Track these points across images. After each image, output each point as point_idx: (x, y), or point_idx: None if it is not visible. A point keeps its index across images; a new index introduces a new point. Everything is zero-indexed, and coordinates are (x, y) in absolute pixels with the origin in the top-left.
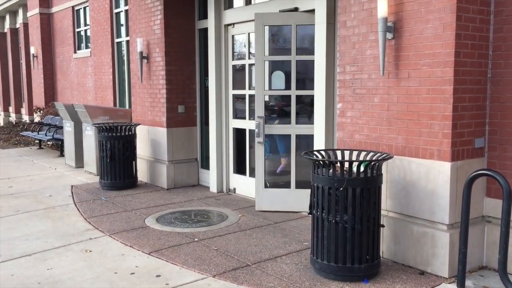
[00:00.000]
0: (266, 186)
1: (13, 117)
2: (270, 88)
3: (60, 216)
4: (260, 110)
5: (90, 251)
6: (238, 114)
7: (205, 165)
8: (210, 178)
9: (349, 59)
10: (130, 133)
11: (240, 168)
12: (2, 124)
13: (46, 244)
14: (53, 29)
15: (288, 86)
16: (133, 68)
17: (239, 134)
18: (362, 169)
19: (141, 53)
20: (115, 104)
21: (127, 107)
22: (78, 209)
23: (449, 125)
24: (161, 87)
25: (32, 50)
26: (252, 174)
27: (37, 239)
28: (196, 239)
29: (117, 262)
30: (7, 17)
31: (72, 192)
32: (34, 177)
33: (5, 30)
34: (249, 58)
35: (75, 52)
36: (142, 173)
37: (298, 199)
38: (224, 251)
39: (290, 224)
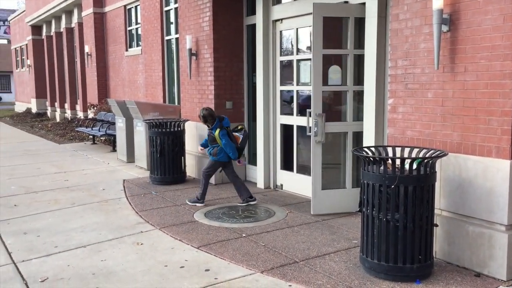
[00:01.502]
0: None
1: (68, 114)
2: (327, 84)
3: (113, 209)
4: (318, 107)
5: (142, 244)
6: (286, 110)
7: (252, 161)
8: (257, 174)
9: (401, 53)
10: (179, 129)
11: (287, 165)
12: (58, 120)
13: (100, 236)
14: (106, 28)
15: (344, 82)
16: (182, 65)
17: (287, 130)
18: (415, 166)
19: (190, 50)
20: (164, 101)
21: (176, 104)
22: (129, 203)
23: (509, 121)
24: (209, 83)
25: (87, 49)
26: (300, 170)
27: (91, 231)
28: (243, 235)
29: (167, 255)
30: (63, 17)
31: (124, 186)
32: (88, 171)
33: (61, 30)
34: (297, 54)
35: (126, 50)
36: (190, 169)
37: (355, 199)
38: (272, 247)
39: (338, 221)
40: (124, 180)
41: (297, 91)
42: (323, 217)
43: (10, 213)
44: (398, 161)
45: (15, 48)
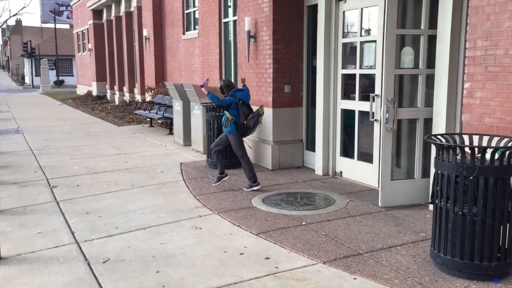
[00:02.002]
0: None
1: (127, 97)
2: (398, 67)
3: (171, 192)
4: (389, 92)
5: (200, 228)
6: (347, 95)
7: (311, 146)
8: (316, 160)
9: (481, 33)
10: None
11: (347, 151)
12: (117, 103)
13: (159, 219)
14: (164, 11)
15: (416, 65)
16: (240, 47)
17: (348, 115)
18: (497, 156)
19: (249, 32)
20: None
21: None
22: (187, 186)
23: None
24: (267, 66)
25: (145, 33)
26: (361, 158)
27: (150, 213)
28: (303, 223)
29: (226, 241)
30: (123, 1)
31: (181, 169)
32: (146, 153)
33: (121, 14)
34: (361, 36)
35: (183, 33)
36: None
37: (423, 190)
38: (334, 236)
39: (403, 212)
40: (181, 163)
41: (360, 74)
42: (386, 207)
43: (73, 193)
44: (477, 150)
45: (77, 33)
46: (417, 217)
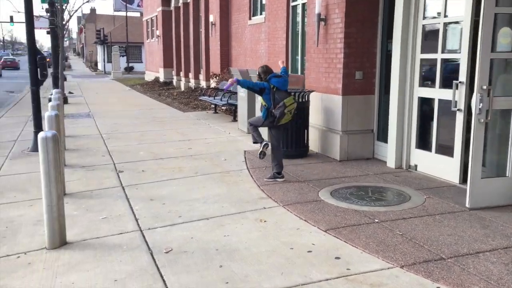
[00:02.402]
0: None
1: (192, 83)
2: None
3: (234, 181)
4: (484, 80)
5: (265, 221)
6: (426, 82)
7: (382, 137)
8: (388, 151)
9: None
10: (303, 100)
11: (424, 143)
12: (183, 89)
13: (222, 209)
14: None
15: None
16: (308, 31)
17: (425, 104)
18: None
19: (319, 14)
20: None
21: (299, 73)
22: (251, 175)
23: None
24: (338, 51)
25: (211, 18)
26: (439, 150)
27: (214, 203)
28: (376, 220)
29: (292, 236)
30: None
31: (245, 158)
32: (210, 140)
33: (188, 0)
34: (445, 16)
35: (249, 18)
36: (313, 143)
37: None
38: (411, 237)
39: (490, 213)
40: (245, 151)
41: (441, 59)
42: (473, 208)
43: (138, 178)
44: None
45: (146, 20)
46: (507, 220)
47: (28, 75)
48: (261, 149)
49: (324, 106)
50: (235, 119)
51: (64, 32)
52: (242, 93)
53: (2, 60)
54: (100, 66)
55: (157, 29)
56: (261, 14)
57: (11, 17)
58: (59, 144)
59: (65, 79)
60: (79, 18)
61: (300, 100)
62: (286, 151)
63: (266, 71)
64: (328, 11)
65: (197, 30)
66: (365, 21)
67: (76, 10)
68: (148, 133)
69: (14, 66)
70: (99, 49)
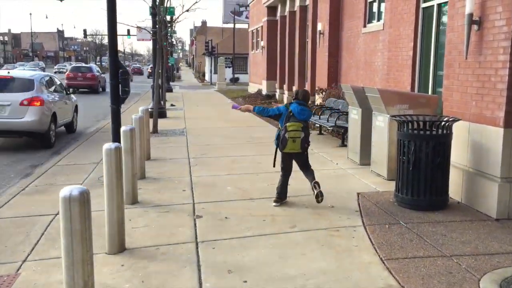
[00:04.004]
0: None
1: None
2: None
3: (346, 247)
4: None
5: None
6: None
7: None
8: None
9: None
10: (445, 131)
11: None
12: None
13: None
14: (342, 2)
15: None
16: (451, 39)
17: None
18: None
19: (470, 15)
20: (412, 88)
21: (429, 93)
22: (369, 238)
23: None
24: (500, 65)
25: (319, 27)
26: None
27: (315, 286)
28: None
29: None
30: None
31: (359, 204)
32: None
33: (295, 8)
34: None
35: (364, 26)
36: (453, 187)
37: None
38: None
39: None
40: (358, 195)
41: None
42: None
43: (219, 230)
44: None
45: (251, 31)
46: None
47: (148, 80)
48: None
49: (473, 140)
50: (343, 144)
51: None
52: (354, 114)
53: (132, 67)
54: (207, 77)
55: (261, 40)
56: (378, 20)
57: (128, 31)
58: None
59: (171, 90)
60: (191, 31)
61: (441, 131)
62: (417, 201)
63: (297, 92)
64: (484, 11)
65: (303, 40)
66: None
67: (174, 21)
68: (240, 160)
69: (139, 72)
70: (207, 60)
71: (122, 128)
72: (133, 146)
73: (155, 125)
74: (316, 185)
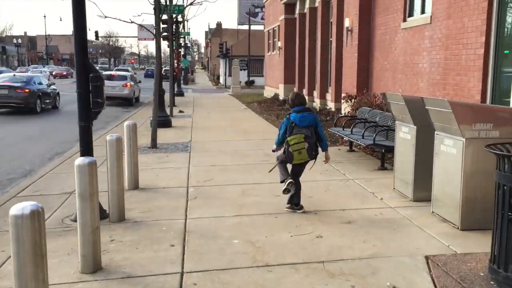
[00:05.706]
0: None
1: (317, 103)
2: None
3: None
4: None
5: None
6: None
7: None
8: None
9: None
10: None
11: None
12: None
13: None
14: None
15: None
16: None
17: None
18: None
19: None
20: (483, 98)
21: (511, 105)
22: None
23: None
24: None
25: (346, 23)
26: None
27: None
28: None
29: None
30: None
31: (433, 281)
32: (351, 215)
33: (316, 5)
34: None
35: (404, 20)
36: None
37: None
38: None
39: None
40: (427, 259)
41: None
42: None
43: None
44: None
45: (268, 31)
46: None
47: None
48: (285, 186)
49: None
50: (383, 166)
51: (175, 45)
52: (405, 132)
53: (146, 70)
54: (221, 80)
55: (278, 40)
56: (422, 12)
57: (96, 32)
58: None
59: (182, 94)
60: (206, 33)
61: None
62: None
63: (293, 99)
64: None
65: (326, 40)
66: None
67: (180, 21)
68: (253, 190)
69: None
70: (222, 62)
71: (83, 160)
72: (93, 189)
73: (154, 138)
74: (290, 184)
